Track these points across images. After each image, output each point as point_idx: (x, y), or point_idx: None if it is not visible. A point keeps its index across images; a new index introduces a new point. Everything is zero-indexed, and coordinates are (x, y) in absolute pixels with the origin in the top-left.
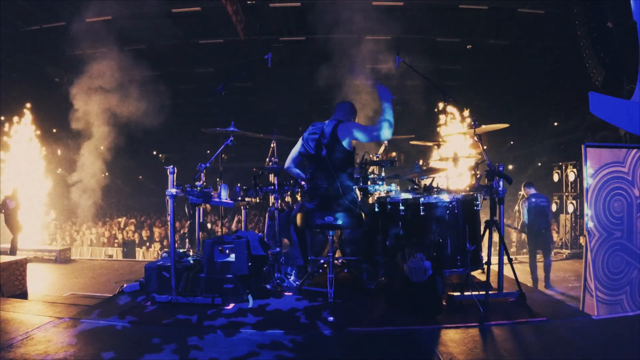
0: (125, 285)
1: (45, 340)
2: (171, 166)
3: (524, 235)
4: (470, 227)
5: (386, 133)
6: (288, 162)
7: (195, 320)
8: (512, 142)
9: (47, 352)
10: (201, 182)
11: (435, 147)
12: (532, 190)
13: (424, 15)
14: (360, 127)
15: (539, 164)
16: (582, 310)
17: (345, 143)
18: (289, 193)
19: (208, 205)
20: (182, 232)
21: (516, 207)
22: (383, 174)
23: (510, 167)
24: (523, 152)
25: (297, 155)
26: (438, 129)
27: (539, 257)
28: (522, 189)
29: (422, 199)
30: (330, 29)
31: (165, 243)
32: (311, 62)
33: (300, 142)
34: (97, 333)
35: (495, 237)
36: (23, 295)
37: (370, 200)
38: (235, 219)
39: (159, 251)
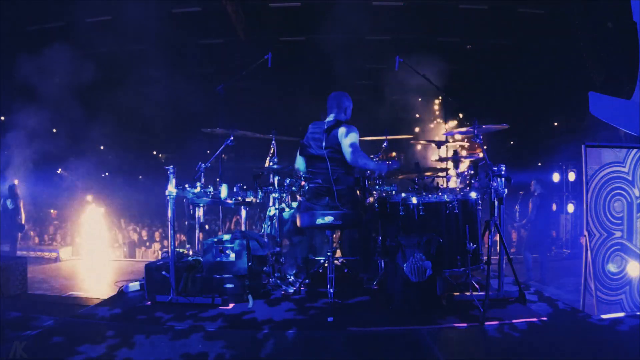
0: (125, 285)
1: (45, 341)
2: (171, 166)
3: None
4: (470, 227)
5: (361, 162)
6: (296, 164)
7: (192, 319)
8: (512, 142)
9: (47, 353)
10: (201, 182)
11: (435, 146)
12: (540, 188)
13: (424, 15)
14: (354, 145)
15: (539, 164)
16: (582, 310)
17: (342, 143)
18: (289, 193)
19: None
20: (181, 237)
21: (516, 207)
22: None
23: (510, 167)
24: (523, 152)
25: (302, 156)
26: (438, 129)
27: (535, 256)
28: (532, 184)
29: (422, 199)
30: (330, 29)
31: (165, 243)
32: (311, 62)
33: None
34: (96, 333)
35: (496, 237)
36: (23, 295)
37: (370, 200)
38: (234, 219)
39: (159, 251)
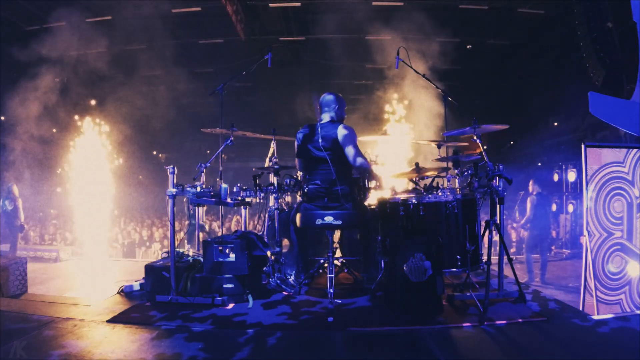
0: (125, 286)
1: (45, 340)
2: (171, 166)
3: (525, 234)
4: (470, 227)
5: (359, 162)
6: (299, 167)
7: (182, 319)
8: (512, 142)
9: (47, 352)
10: (201, 182)
11: (436, 146)
12: (538, 188)
13: (424, 15)
14: (356, 148)
15: (539, 164)
16: (582, 310)
17: (344, 146)
18: (288, 193)
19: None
20: (182, 233)
21: (516, 207)
22: None
23: (510, 167)
24: (523, 152)
25: (300, 159)
26: (438, 129)
27: (536, 256)
28: (530, 184)
29: (422, 199)
30: (330, 29)
31: (165, 243)
32: (311, 62)
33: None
34: (96, 333)
35: (496, 237)
36: (23, 295)
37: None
38: (235, 218)
39: (159, 251)
